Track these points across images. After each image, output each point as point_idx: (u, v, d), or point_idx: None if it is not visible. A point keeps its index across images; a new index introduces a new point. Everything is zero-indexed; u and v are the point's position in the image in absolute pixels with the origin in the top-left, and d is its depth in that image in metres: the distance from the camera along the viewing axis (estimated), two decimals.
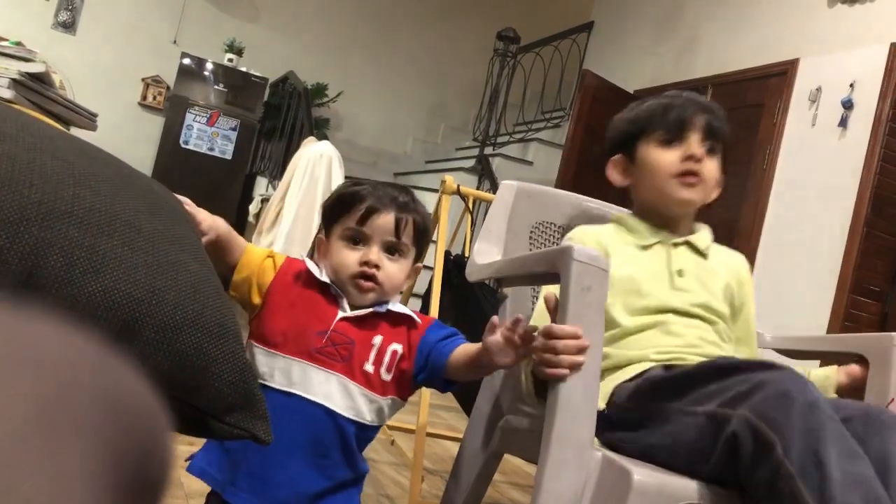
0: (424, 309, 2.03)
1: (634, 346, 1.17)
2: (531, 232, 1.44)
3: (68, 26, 5.91)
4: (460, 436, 1.64)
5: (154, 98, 6.13)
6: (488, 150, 5.98)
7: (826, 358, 2.16)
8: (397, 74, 7.04)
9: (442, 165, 6.60)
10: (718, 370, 0.98)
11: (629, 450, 1.02)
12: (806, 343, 1.51)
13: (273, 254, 1.05)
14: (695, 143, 1.22)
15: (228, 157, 5.72)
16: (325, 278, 1.00)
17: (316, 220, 4.28)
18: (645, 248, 1.26)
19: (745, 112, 4.37)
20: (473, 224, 2.11)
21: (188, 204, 0.92)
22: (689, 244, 1.27)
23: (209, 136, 5.70)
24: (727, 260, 1.32)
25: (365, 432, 0.99)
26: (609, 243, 1.25)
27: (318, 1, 6.77)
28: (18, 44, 1.79)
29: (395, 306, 1.01)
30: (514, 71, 6.04)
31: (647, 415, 1.03)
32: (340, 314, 0.98)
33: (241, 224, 5.66)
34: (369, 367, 0.97)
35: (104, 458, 0.22)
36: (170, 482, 0.27)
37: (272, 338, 0.97)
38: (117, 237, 0.62)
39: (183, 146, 5.61)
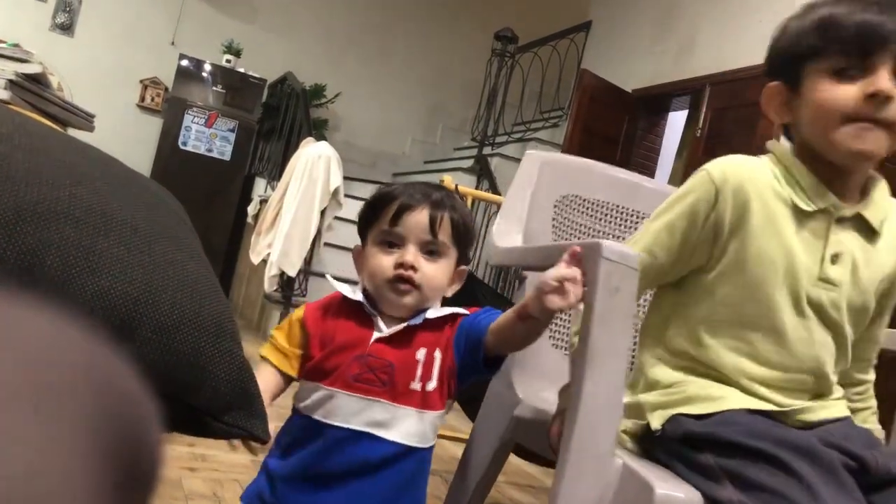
0: None
1: (730, 346, 0.98)
2: (555, 206, 1.36)
3: (66, 28, 5.91)
4: (462, 436, 1.63)
5: (152, 99, 6.12)
6: (487, 150, 5.98)
7: None
8: (395, 75, 7.03)
9: (440, 166, 6.60)
10: (780, 465, 0.82)
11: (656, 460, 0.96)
12: None
13: (290, 318, 0.99)
14: (884, 76, 0.90)
15: (227, 158, 5.72)
16: (357, 297, 0.94)
17: (314, 220, 4.27)
18: (805, 214, 0.97)
19: (744, 111, 4.36)
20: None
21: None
22: (861, 219, 0.99)
23: (207, 137, 5.69)
24: None
25: (417, 455, 0.93)
26: (757, 193, 0.97)
27: (316, 2, 6.77)
28: (16, 46, 1.79)
29: (436, 311, 0.94)
30: (513, 71, 6.04)
31: (690, 461, 0.91)
32: (375, 335, 0.92)
33: (240, 225, 5.66)
34: (416, 385, 0.92)
35: (89, 440, 0.22)
36: (160, 472, 0.26)
37: (316, 371, 0.93)
38: (114, 236, 0.62)
39: (181, 147, 5.61)
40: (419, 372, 0.92)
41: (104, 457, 0.22)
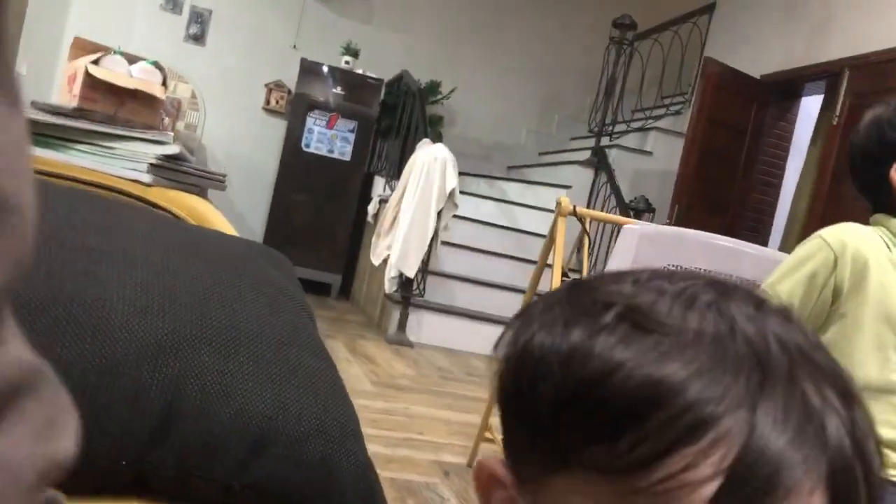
0: None
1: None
2: None
3: (198, 38, 6.25)
4: None
5: (276, 102, 6.38)
6: (605, 141, 5.84)
7: None
8: (510, 66, 6.98)
9: (556, 158, 6.51)
10: None
11: None
12: None
13: None
14: None
15: (347, 158, 5.88)
16: None
17: (431, 222, 4.33)
18: None
19: (887, 96, 4.03)
20: (591, 245, 2.07)
21: None
22: None
23: (329, 138, 5.87)
24: None
25: None
26: (874, 256, 1.05)
27: None
28: (155, 63, 1.91)
29: None
30: (631, 59, 5.85)
31: None
32: None
33: (361, 224, 5.83)
34: None
35: None
36: None
37: None
38: (243, 353, 0.65)
39: (304, 149, 5.82)
40: None
41: None
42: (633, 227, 1.40)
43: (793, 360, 0.31)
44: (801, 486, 0.29)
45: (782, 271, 1.07)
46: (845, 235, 1.05)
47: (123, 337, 0.59)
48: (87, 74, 1.56)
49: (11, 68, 0.25)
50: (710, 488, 0.28)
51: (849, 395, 0.32)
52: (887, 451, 0.99)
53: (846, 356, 1.01)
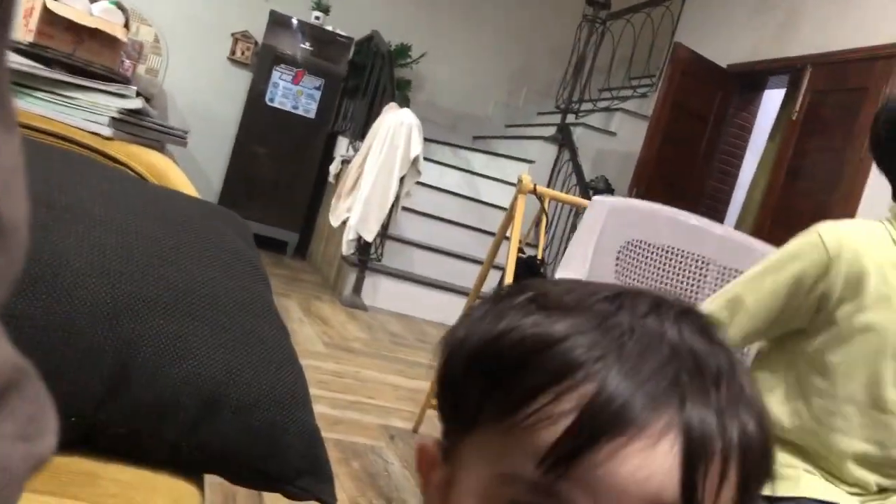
0: None
1: (824, 419, 0.94)
2: (619, 251, 1.35)
3: None
4: None
5: (242, 53, 6.23)
6: (570, 119, 5.87)
7: None
8: (482, 36, 6.94)
9: (522, 131, 6.52)
10: None
11: None
12: None
13: None
14: None
15: (312, 116, 5.81)
16: None
17: (393, 187, 4.32)
18: None
19: (846, 96, 4.14)
20: (549, 224, 2.09)
21: None
22: None
23: (294, 94, 5.78)
24: None
25: None
26: (876, 265, 0.93)
27: None
28: (117, 4, 1.86)
29: None
30: (603, 38, 5.87)
31: None
32: None
33: (321, 184, 5.78)
34: None
35: None
36: None
37: None
38: (198, 318, 0.66)
39: (269, 104, 5.73)
40: None
41: None
42: (603, 199, 1.37)
43: (676, 354, 0.34)
44: (650, 423, 0.32)
45: (770, 265, 0.98)
46: (844, 237, 0.94)
47: (80, 296, 0.60)
48: (45, 9, 1.52)
49: (8, 93, 0.26)
50: (569, 420, 0.33)
51: (733, 391, 0.35)
52: (851, 465, 0.94)
53: (831, 369, 0.95)
